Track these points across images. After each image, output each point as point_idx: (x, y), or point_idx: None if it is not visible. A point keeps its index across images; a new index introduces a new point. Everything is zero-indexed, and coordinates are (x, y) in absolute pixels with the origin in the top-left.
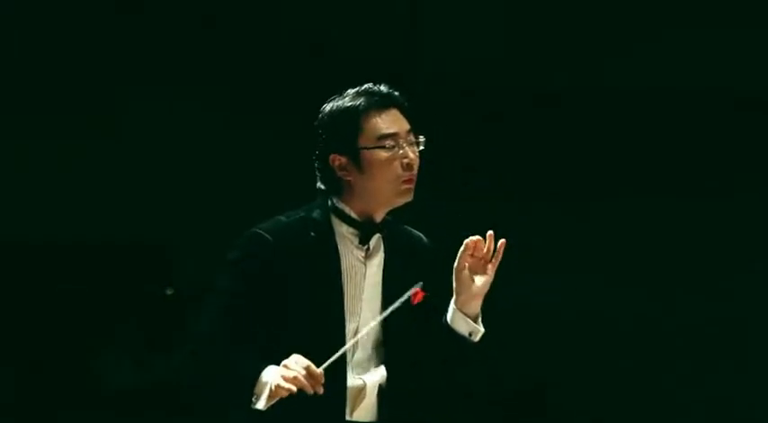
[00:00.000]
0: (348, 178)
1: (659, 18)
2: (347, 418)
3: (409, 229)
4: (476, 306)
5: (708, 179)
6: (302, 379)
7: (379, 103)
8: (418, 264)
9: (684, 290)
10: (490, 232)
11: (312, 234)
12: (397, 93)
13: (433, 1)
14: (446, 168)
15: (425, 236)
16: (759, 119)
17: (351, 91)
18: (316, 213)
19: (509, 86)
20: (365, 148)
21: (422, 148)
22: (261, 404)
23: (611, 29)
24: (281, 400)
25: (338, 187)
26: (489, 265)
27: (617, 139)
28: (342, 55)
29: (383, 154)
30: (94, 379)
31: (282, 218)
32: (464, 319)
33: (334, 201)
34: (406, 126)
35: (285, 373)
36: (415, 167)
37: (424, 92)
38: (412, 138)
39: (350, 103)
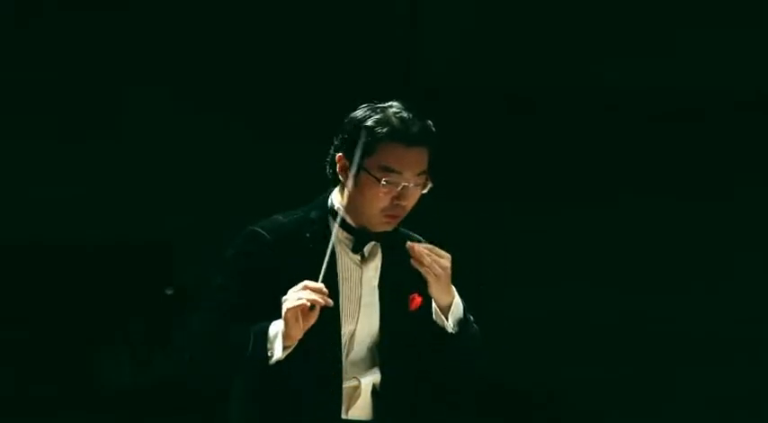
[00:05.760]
0: (344, 181)
1: (659, 18)
2: (342, 416)
3: (406, 231)
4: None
5: (707, 180)
6: (309, 295)
7: (405, 139)
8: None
9: (688, 292)
10: (409, 244)
11: (309, 234)
12: (430, 132)
13: (431, 1)
14: (444, 169)
15: (422, 237)
16: (759, 119)
17: (394, 108)
18: (314, 214)
19: (509, 86)
20: (366, 169)
21: (425, 191)
22: (278, 352)
23: (617, 29)
24: (279, 394)
25: (335, 182)
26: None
27: (622, 140)
28: (340, 56)
29: (379, 184)
30: (94, 379)
31: (280, 217)
32: (436, 311)
33: (333, 204)
34: (419, 168)
35: (288, 304)
36: (405, 209)
37: (424, 90)
38: (420, 179)
39: (379, 123)
